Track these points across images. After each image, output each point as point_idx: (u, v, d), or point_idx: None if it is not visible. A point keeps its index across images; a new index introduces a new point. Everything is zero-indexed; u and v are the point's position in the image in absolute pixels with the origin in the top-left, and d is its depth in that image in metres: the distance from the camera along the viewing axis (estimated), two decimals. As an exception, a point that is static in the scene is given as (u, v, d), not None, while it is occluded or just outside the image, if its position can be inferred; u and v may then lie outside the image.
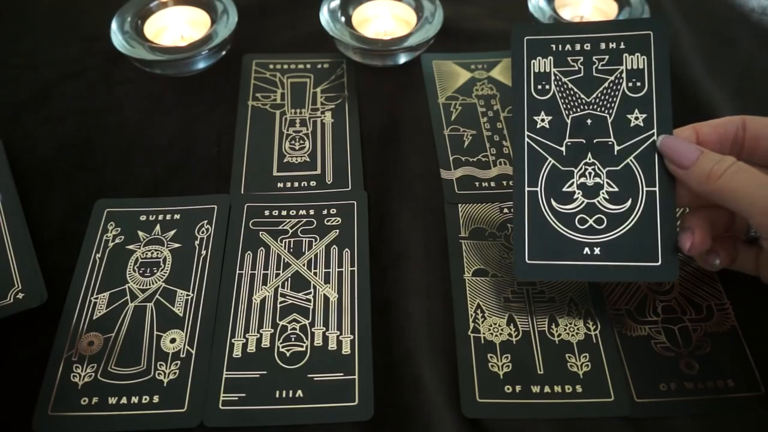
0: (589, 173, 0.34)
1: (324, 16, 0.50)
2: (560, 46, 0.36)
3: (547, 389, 0.34)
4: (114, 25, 0.48)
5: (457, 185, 0.43)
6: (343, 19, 0.50)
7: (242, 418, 0.33)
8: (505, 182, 0.43)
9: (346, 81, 0.50)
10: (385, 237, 0.40)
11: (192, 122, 0.47)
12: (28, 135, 0.46)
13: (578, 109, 0.35)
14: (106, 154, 0.45)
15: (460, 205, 0.42)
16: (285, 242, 0.40)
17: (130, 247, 0.40)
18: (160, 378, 0.35)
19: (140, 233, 0.40)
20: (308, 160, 0.45)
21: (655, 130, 0.34)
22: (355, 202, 0.42)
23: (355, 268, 0.39)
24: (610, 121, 0.34)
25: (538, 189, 0.34)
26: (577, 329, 0.36)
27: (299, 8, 0.55)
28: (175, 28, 0.51)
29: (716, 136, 0.34)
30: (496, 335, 0.36)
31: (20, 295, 0.37)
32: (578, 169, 0.34)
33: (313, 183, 0.43)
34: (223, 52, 0.50)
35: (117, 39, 0.48)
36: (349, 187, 0.43)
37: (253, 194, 0.43)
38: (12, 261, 0.38)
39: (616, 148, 0.34)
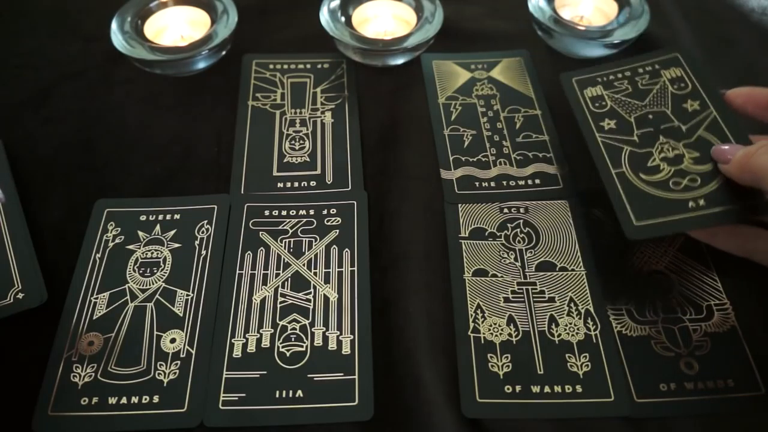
0: (667, 148, 0.37)
1: (324, 16, 0.50)
2: (605, 77, 0.41)
3: (547, 389, 0.34)
4: (114, 25, 0.48)
5: (457, 185, 0.43)
6: (343, 19, 0.50)
7: (242, 418, 0.33)
8: (504, 182, 0.43)
9: (346, 81, 0.50)
10: (385, 237, 0.41)
11: (192, 122, 0.47)
12: (28, 135, 0.46)
13: (637, 111, 0.39)
14: (106, 154, 0.45)
15: (460, 205, 0.42)
16: (285, 242, 0.40)
17: (130, 247, 0.40)
18: (160, 378, 0.35)
19: (140, 233, 0.40)
20: (308, 160, 0.45)
21: (712, 109, 0.38)
22: (355, 202, 0.42)
23: (355, 268, 0.39)
24: (669, 111, 0.38)
25: (624, 169, 0.37)
26: (577, 329, 0.36)
27: (299, 8, 0.55)
28: (175, 28, 0.51)
29: (765, 102, 0.36)
30: (496, 335, 0.36)
31: (20, 295, 0.37)
32: (655, 148, 0.37)
33: (313, 183, 0.43)
34: (223, 52, 0.50)
35: (117, 39, 0.48)
36: (349, 187, 0.43)
37: (253, 194, 0.43)
38: (12, 261, 0.38)
39: (684, 127, 0.37)
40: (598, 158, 0.38)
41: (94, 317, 0.37)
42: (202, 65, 0.49)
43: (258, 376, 0.35)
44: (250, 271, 0.39)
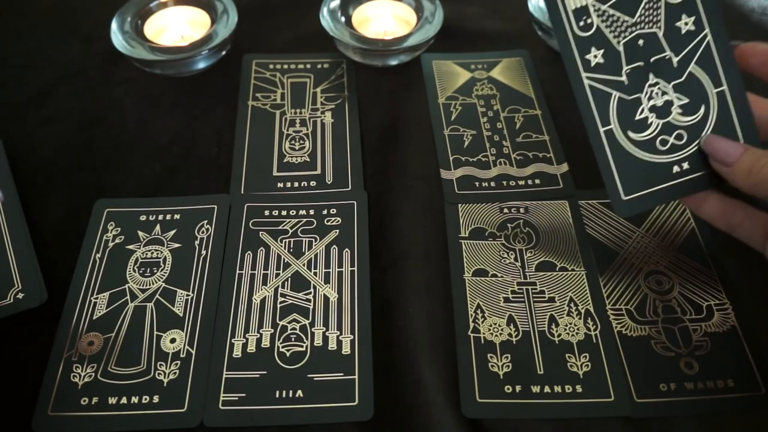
0: (656, 93, 0.34)
1: (324, 16, 0.50)
2: None
3: (547, 389, 0.34)
4: (114, 25, 0.48)
5: (457, 185, 0.43)
6: (343, 19, 0.50)
7: (242, 418, 0.33)
8: (505, 182, 0.43)
9: (346, 81, 0.50)
10: (385, 237, 0.41)
11: (192, 122, 0.47)
12: (28, 135, 0.46)
13: (626, 33, 0.34)
14: (106, 154, 0.45)
15: (460, 205, 0.42)
16: (285, 242, 0.40)
17: (130, 247, 0.40)
18: (160, 378, 0.35)
19: (140, 233, 0.40)
20: (308, 160, 0.45)
21: (707, 29, 0.33)
22: (355, 202, 0.42)
23: (355, 268, 0.39)
24: (660, 35, 0.33)
25: (612, 126, 0.34)
26: (577, 329, 0.36)
27: (299, 8, 0.55)
28: (175, 28, 0.51)
29: (762, 57, 0.33)
30: (496, 335, 0.36)
31: (20, 295, 0.37)
32: (645, 93, 0.34)
33: (313, 183, 0.43)
34: (223, 52, 0.50)
35: (117, 39, 0.48)
36: (349, 187, 0.43)
37: (253, 194, 0.43)
38: (12, 261, 0.38)
39: (675, 60, 0.34)
40: (585, 110, 0.33)
41: (94, 317, 0.37)
42: (202, 65, 0.49)
43: (258, 376, 0.35)
44: (250, 271, 0.39)
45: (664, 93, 0.34)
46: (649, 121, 0.34)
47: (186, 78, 0.50)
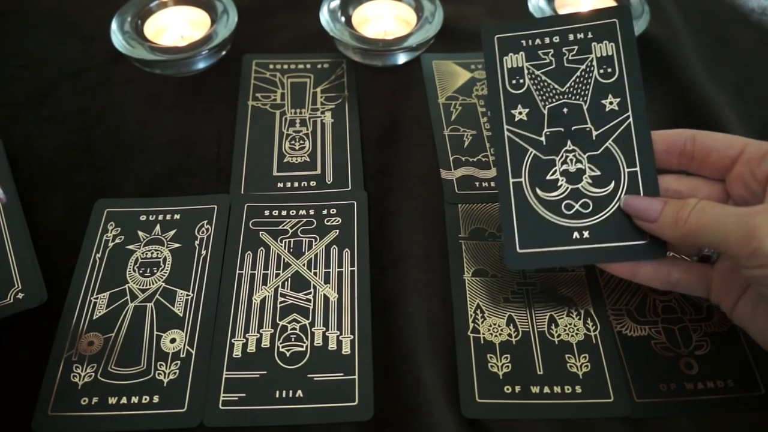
0: (571, 160, 0.35)
1: (324, 16, 0.50)
2: (530, 41, 0.36)
3: (546, 390, 0.34)
4: (114, 25, 0.48)
5: (457, 185, 0.43)
6: (343, 19, 0.50)
7: (242, 418, 0.33)
8: (505, 182, 0.43)
9: (346, 81, 0.50)
10: (385, 237, 0.41)
11: (192, 122, 0.47)
12: (28, 135, 0.46)
13: (553, 100, 0.35)
14: (106, 154, 0.45)
15: (460, 205, 0.42)
16: (285, 242, 0.40)
17: (130, 247, 0.40)
18: (160, 378, 0.35)
19: (140, 233, 0.40)
20: (308, 160, 0.45)
21: (630, 113, 0.35)
22: (355, 202, 0.42)
23: (355, 268, 0.39)
24: (585, 108, 0.35)
25: (522, 179, 0.35)
26: (577, 330, 0.36)
27: (299, 8, 0.55)
28: (175, 28, 0.51)
29: (663, 146, 0.34)
30: (496, 335, 0.36)
31: (20, 295, 0.37)
32: (560, 156, 0.35)
33: (313, 183, 0.43)
34: (223, 52, 0.50)
35: (117, 39, 0.48)
36: (349, 187, 0.43)
37: (253, 194, 0.43)
38: (12, 261, 0.38)
39: (594, 133, 0.35)
40: (499, 158, 0.35)
41: (94, 317, 0.37)
42: (202, 65, 0.49)
43: (258, 376, 0.35)
44: (250, 271, 0.39)
45: (578, 161, 0.35)
46: (559, 183, 0.34)
47: (186, 78, 0.50)
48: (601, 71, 0.35)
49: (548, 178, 0.35)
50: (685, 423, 0.33)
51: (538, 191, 0.34)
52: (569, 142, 0.35)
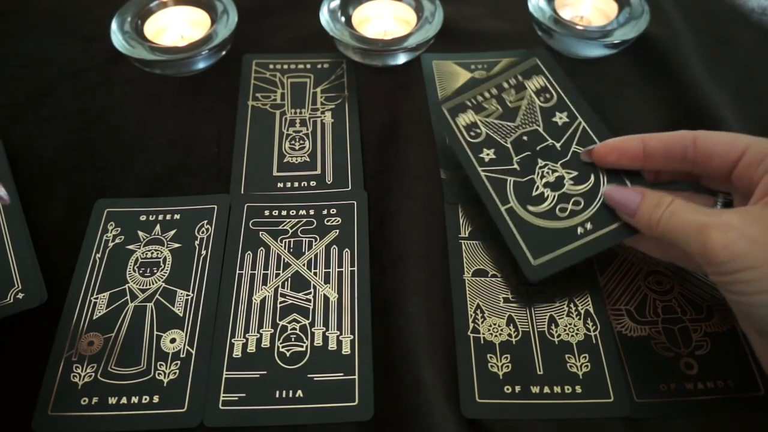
0: (547, 172, 0.38)
1: (324, 16, 0.50)
2: (473, 100, 0.42)
3: (546, 390, 0.34)
4: (114, 25, 0.48)
5: (457, 185, 0.43)
6: (343, 19, 0.50)
7: (242, 418, 0.33)
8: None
9: (346, 81, 0.50)
10: (385, 237, 0.40)
11: (192, 122, 0.47)
12: (28, 135, 0.46)
13: (512, 134, 0.40)
14: (106, 154, 0.45)
15: (460, 205, 0.42)
16: (285, 242, 0.40)
17: (130, 247, 0.40)
18: (160, 378, 0.35)
19: (140, 233, 0.40)
20: (308, 160, 0.45)
21: (579, 118, 0.39)
22: (355, 202, 0.42)
23: (355, 268, 0.39)
24: (541, 129, 0.39)
25: (512, 203, 0.37)
26: (577, 330, 0.36)
27: (299, 8, 0.55)
28: (175, 28, 0.51)
29: (663, 151, 0.34)
30: (496, 335, 0.36)
31: (20, 295, 0.37)
32: (537, 174, 0.38)
33: (313, 183, 0.43)
34: (223, 52, 0.50)
35: (117, 39, 0.48)
36: (349, 187, 0.43)
37: (253, 194, 0.43)
38: (12, 261, 0.38)
39: (558, 145, 0.39)
40: (485, 195, 0.38)
41: (94, 317, 0.37)
42: (202, 65, 0.49)
43: (258, 376, 0.35)
44: (250, 271, 0.39)
45: (554, 171, 0.38)
46: (545, 195, 0.37)
47: (186, 78, 0.50)
48: (541, 98, 0.40)
49: (534, 194, 0.37)
50: (685, 423, 0.33)
51: (530, 208, 0.37)
52: (540, 160, 0.38)
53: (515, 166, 0.38)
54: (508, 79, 0.41)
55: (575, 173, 0.37)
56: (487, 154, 0.39)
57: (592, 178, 0.36)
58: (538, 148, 0.39)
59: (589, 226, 0.35)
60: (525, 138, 0.39)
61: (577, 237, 0.35)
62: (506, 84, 0.41)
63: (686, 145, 0.34)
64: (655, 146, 0.34)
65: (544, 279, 0.35)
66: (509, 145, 0.39)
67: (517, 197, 0.37)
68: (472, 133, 0.40)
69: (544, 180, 0.37)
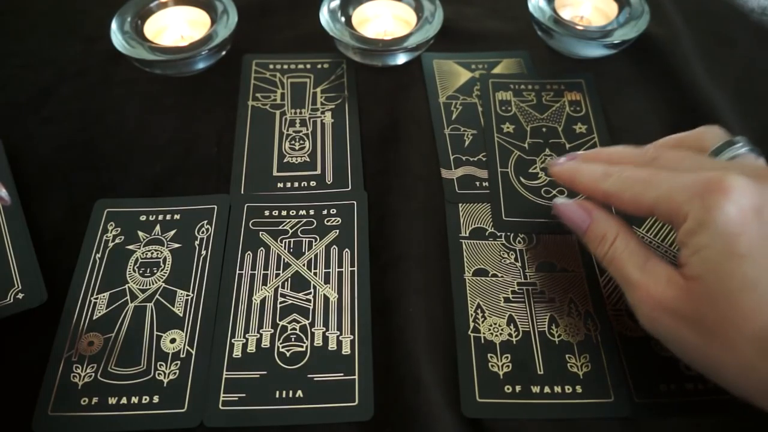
0: (549, 160, 0.43)
1: (324, 16, 0.50)
2: (517, 86, 0.48)
3: (547, 389, 0.34)
4: (114, 25, 0.48)
5: (457, 185, 0.43)
6: (343, 19, 0.50)
7: (242, 418, 0.33)
8: (505, 182, 0.43)
9: (346, 81, 0.50)
10: (385, 237, 0.40)
11: (192, 122, 0.47)
12: (28, 135, 0.46)
13: (535, 122, 0.46)
14: (106, 154, 0.45)
15: (460, 204, 0.42)
16: (285, 242, 0.40)
17: (130, 247, 0.40)
18: (160, 378, 0.35)
19: (140, 233, 0.40)
20: (308, 160, 0.45)
21: (595, 135, 0.45)
22: (355, 202, 0.42)
23: (355, 268, 0.39)
24: (560, 129, 0.45)
25: (508, 170, 0.43)
26: (577, 330, 0.36)
27: (299, 8, 0.55)
28: (175, 28, 0.51)
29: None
30: (496, 335, 0.36)
31: (20, 295, 0.37)
32: (540, 158, 0.44)
33: (313, 183, 0.43)
34: (223, 52, 0.50)
35: (117, 39, 0.48)
36: (349, 187, 0.43)
37: (253, 194, 0.43)
38: (12, 261, 0.38)
39: (567, 146, 0.44)
40: (490, 154, 0.44)
41: (94, 317, 0.37)
42: (202, 65, 0.49)
43: (258, 376, 0.35)
44: (250, 271, 0.39)
45: None
46: (539, 176, 0.43)
47: (186, 78, 0.50)
48: (571, 109, 0.47)
49: (530, 171, 0.43)
50: (685, 423, 0.33)
51: (522, 179, 0.43)
52: (547, 149, 0.44)
53: (525, 145, 0.44)
54: (553, 85, 0.48)
55: None
56: (507, 127, 0.45)
57: None
58: (550, 141, 0.44)
59: None
60: (544, 129, 0.45)
61: (549, 216, 0.39)
62: (549, 86, 0.48)
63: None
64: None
65: (507, 232, 0.40)
66: (528, 129, 0.45)
67: (515, 167, 0.43)
68: (504, 108, 0.46)
69: (543, 165, 0.43)
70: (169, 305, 0.37)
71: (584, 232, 0.34)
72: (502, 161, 0.43)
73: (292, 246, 0.40)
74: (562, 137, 0.45)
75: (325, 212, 0.41)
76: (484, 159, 0.44)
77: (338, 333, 0.36)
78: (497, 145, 0.44)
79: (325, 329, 0.36)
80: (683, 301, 0.29)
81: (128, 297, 0.38)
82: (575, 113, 0.46)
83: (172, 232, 0.41)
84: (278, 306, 0.37)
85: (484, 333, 0.36)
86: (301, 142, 0.46)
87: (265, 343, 0.36)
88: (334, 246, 0.40)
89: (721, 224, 0.28)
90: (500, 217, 0.41)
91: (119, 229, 0.41)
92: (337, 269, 0.39)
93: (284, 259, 0.39)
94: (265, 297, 0.38)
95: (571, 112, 0.46)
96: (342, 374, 0.35)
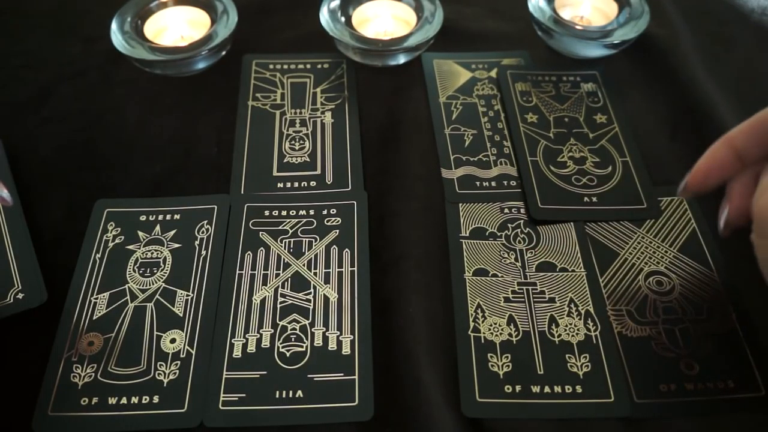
0: (575, 149, 0.44)
1: (324, 16, 0.50)
2: (534, 77, 0.49)
3: (547, 389, 0.34)
4: (114, 25, 0.48)
5: (457, 185, 0.43)
6: (343, 19, 0.50)
7: (242, 418, 0.33)
8: (505, 182, 0.43)
9: (346, 81, 0.50)
10: (385, 237, 0.40)
11: (192, 122, 0.47)
12: (28, 135, 0.46)
13: (556, 113, 0.47)
14: (106, 154, 0.45)
15: (460, 204, 0.42)
16: (285, 242, 0.40)
17: (130, 247, 0.40)
18: (160, 378, 0.35)
19: (140, 233, 0.40)
20: (308, 160, 0.45)
21: (615, 125, 0.46)
22: (355, 202, 0.42)
23: (355, 268, 0.39)
24: (581, 119, 0.46)
25: (538, 159, 0.44)
26: (577, 330, 0.36)
27: (299, 8, 0.55)
28: (175, 28, 0.51)
29: (755, 141, 0.32)
30: (496, 335, 0.36)
31: (20, 295, 0.37)
32: (566, 147, 0.45)
33: (313, 183, 0.43)
34: (223, 52, 0.50)
35: (117, 39, 0.48)
36: (349, 187, 0.43)
37: (253, 194, 0.43)
38: (12, 261, 0.38)
39: (591, 135, 0.45)
40: (518, 145, 0.45)
41: (94, 317, 0.37)
42: (202, 65, 0.49)
43: (258, 376, 0.35)
44: (250, 272, 0.39)
45: (581, 151, 0.44)
46: (568, 164, 0.44)
47: (186, 78, 0.50)
48: (589, 100, 0.48)
49: (559, 159, 0.44)
50: (685, 423, 0.33)
51: (552, 168, 0.43)
52: (572, 139, 0.45)
53: (551, 134, 0.45)
54: (569, 77, 0.49)
55: (598, 160, 0.44)
56: (530, 117, 0.46)
57: (610, 168, 0.43)
58: (573, 130, 0.45)
59: (594, 199, 0.41)
60: (566, 119, 0.46)
61: (582, 203, 0.41)
62: (565, 78, 0.49)
63: (728, 158, 0.32)
64: (743, 141, 0.32)
65: (545, 219, 0.41)
66: (551, 119, 0.46)
67: (544, 156, 0.44)
68: (525, 99, 0.47)
69: (570, 154, 0.44)
70: (169, 305, 0.37)
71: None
72: (530, 150, 0.44)
73: (292, 246, 0.40)
74: (584, 127, 0.45)
75: (325, 212, 0.41)
76: (484, 159, 0.44)
77: (338, 333, 0.36)
78: (523, 134, 0.45)
79: (325, 329, 0.36)
80: None
81: (128, 297, 0.38)
82: (593, 104, 0.47)
83: (172, 232, 0.41)
84: (278, 306, 0.37)
85: (484, 333, 0.36)
86: (301, 142, 0.46)
87: (265, 343, 0.36)
88: (334, 246, 0.40)
89: None
90: (536, 205, 0.41)
91: (119, 229, 0.41)
92: (337, 269, 0.39)
93: (284, 259, 0.39)
94: (265, 297, 0.38)
95: (590, 103, 0.47)
96: (342, 374, 0.35)
